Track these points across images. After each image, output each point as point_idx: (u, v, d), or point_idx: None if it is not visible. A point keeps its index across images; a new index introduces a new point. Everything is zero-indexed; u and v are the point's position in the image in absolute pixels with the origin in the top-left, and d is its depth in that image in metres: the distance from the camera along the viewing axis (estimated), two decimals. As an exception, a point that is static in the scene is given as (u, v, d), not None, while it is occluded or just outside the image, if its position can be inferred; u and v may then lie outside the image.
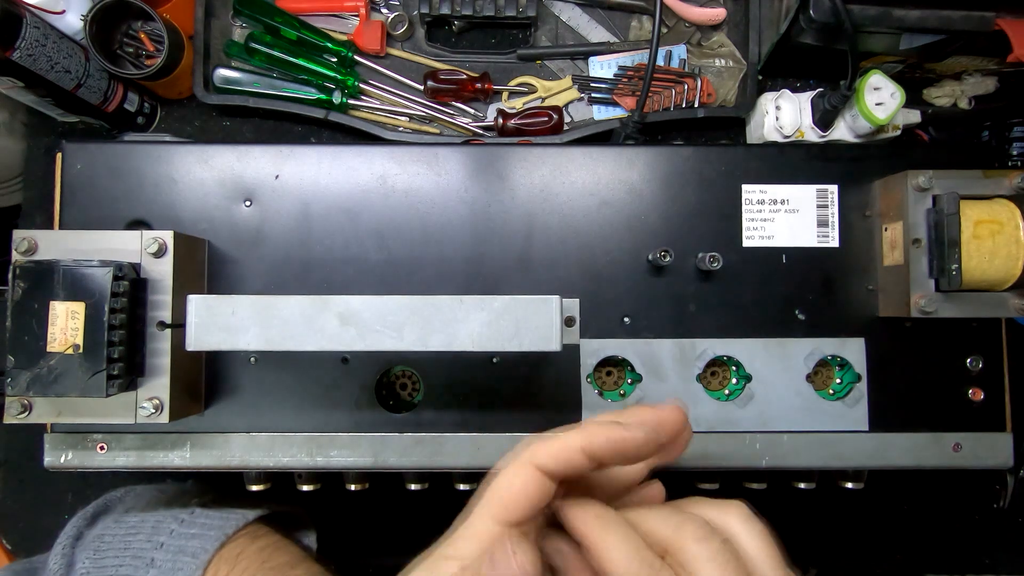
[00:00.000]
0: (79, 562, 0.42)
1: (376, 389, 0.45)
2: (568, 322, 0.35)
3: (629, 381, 0.45)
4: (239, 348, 0.35)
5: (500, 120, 0.60)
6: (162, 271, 0.40)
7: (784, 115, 0.58)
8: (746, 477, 0.48)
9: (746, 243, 0.46)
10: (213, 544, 0.41)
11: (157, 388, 0.40)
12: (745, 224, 0.46)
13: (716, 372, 0.46)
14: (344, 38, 0.60)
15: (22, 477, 0.60)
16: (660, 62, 0.60)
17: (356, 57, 0.60)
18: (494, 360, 0.45)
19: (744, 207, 0.46)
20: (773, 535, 0.30)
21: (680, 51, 0.61)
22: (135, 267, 0.40)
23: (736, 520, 0.30)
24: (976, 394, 0.45)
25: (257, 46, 0.58)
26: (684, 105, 0.60)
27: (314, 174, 0.46)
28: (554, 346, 0.35)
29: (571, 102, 0.62)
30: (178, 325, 0.40)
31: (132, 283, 0.39)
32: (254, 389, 0.44)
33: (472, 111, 0.61)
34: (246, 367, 0.45)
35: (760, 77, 0.61)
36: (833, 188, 0.46)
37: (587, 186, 0.46)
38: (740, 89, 0.61)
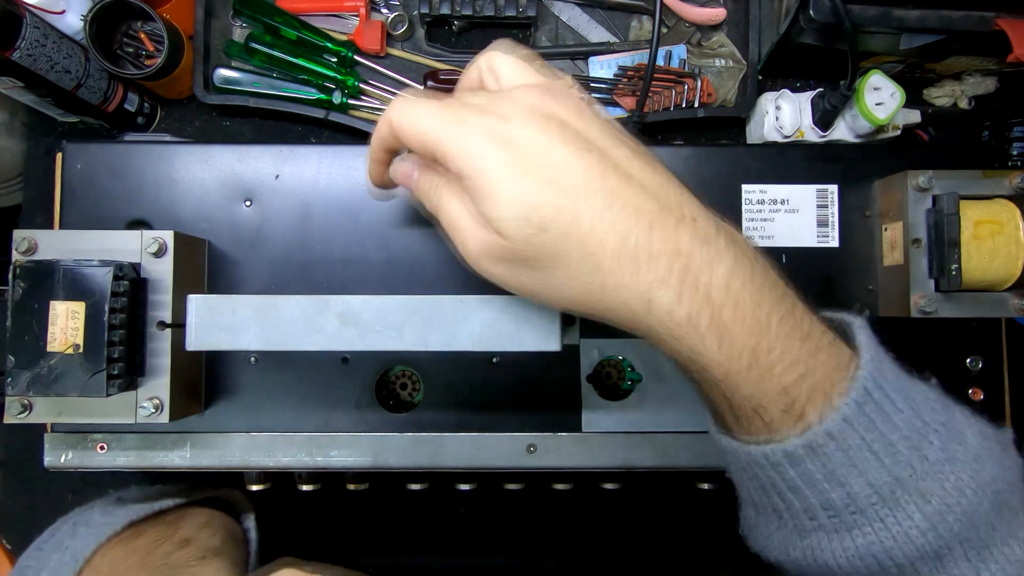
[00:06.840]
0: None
1: (376, 389, 0.45)
2: (568, 322, 0.35)
3: (629, 381, 0.45)
4: (239, 348, 0.35)
5: (500, 120, 0.60)
6: (162, 271, 0.40)
7: (784, 115, 0.58)
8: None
9: (746, 243, 0.46)
10: (85, 551, 0.41)
11: (157, 388, 0.40)
12: (745, 224, 0.46)
13: (716, 372, 0.46)
14: (344, 38, 0.60)
15: (22, 477, 0.60)
16: (660, 62, 0.60)
17: (356, 57, 0.60)
18: (494, 360, 0.45)
19: (744, 207, 0.46)
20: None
21: (680, 51, 0.61)
22: (135, 267, 0.40)
23: (487, 60, 0.31)
24: (976, 394, 0.45)
25: (257, 46, 0.58)
26: (684, 105, 0.60)
27: (314, 174, 0.46)
28: (554, 346, 0.35)
29: (571, 102, 0.61)
30: (178, 325, 0.40)
31: (132, 283, 0.39)
32: (254, 389, 0.44)
33: (472, 111, 0.61)
34: (246, 367, 0.45)
35: (760, 77, 0.61)
36: (833, 188, 0.46)
37: (587, 186, 0.46)
38: (740, 89, 0.61)
